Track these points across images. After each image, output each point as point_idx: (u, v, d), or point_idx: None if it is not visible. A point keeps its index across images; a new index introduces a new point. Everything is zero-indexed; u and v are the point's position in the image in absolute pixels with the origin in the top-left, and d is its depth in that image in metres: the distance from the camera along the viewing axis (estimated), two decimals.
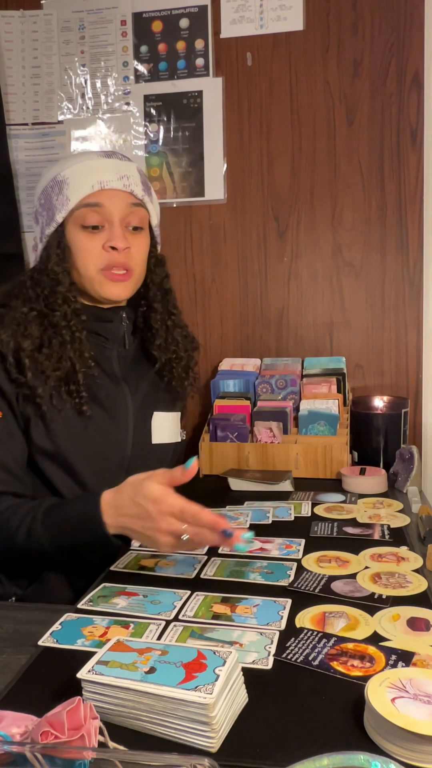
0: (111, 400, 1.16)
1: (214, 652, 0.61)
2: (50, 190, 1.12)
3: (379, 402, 1.60)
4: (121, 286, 1.14)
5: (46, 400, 1.06)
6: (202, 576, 0.92)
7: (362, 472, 1.35)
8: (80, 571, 1.12)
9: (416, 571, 0.92)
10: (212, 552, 1.00)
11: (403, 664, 0.67)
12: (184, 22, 1.69)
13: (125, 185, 1.11)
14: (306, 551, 1.00)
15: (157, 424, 1.22)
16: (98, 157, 1.14)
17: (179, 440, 1.30)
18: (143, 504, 0.86)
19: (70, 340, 1.09)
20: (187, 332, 1.31)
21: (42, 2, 1.76)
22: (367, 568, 0.93)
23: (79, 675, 0.60)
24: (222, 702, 0.57)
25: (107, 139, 1.77)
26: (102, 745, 0.54)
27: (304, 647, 0.72)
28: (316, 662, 0.69)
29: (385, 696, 0.57)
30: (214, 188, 1.73)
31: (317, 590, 0.86)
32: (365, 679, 0.63)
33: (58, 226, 1.11)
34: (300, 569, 0.93)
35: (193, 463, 0.87)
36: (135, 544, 1.05)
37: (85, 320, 1.12)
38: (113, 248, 1.10)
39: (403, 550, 0.99)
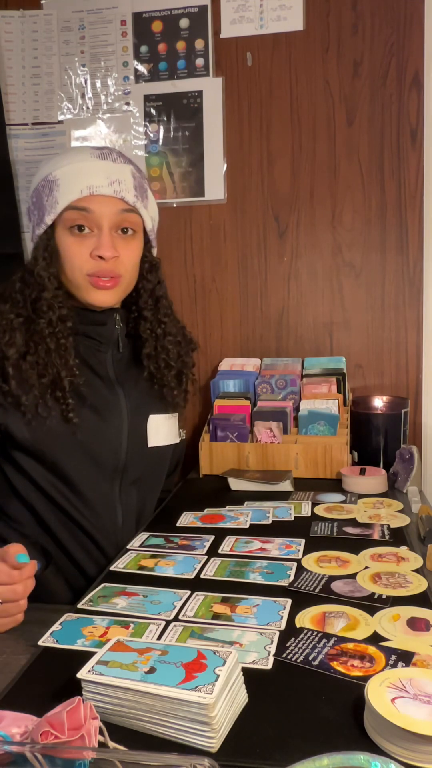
0: (105, 404, 1.14)
1: (214, 652, 0.61)
2: (41, 190, 1.10)
3: (379, 402, 1.60)
4: (108, 294, 1.11)
5: (30, 408, 1.05)
6: (202, 576, 0.92)
7: (362, 472, 1.35)
8: (78, 571, 1.13)
9: (416, 571, 0.92)
10: (212, 552, 1.01)
11: (403, 664, 0.67)
12: (184, 22, 1.69)
13: (116, 191, 1.08)
14: (306, 551, 1.00)
15: (153, 427, 1.21)
16: (91, 157, 1.10)
17: (178, 441, 1.30)
18: None
19: (55, 347, 1.07)
20: (182, 336, 1.28)
21: (42, 2, 1.76)
22: (367, 568, 0.93)
23: (79, 675, 0.60)
24: (222, 702, 0.57)
25: (107, 139, 1.77)
26: (102, 745, 0.54)
27: (304, 647, 0.72)
28: (316, 662, 0.69)
29: (385, 696, 0.57)
30: (214, 188, 1.73)
31: (317, 590, 0.86)
32: (365, 679, 0.63)
33: (47, 228, 1.09)
34: (300, 569, 0.93)
35: (23, 562, 0.79)
36: (135, 543, 1.05)
37: (71, 326, 1.10)
38: (101, 257, 1.08)
39: (403, 550, 0.99)
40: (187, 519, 1.17)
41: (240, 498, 1.29)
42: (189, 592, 0.86)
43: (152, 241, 1.20)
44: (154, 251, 1.22)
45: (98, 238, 1.08)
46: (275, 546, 1.02)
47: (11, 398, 1.05)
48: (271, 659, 0.70)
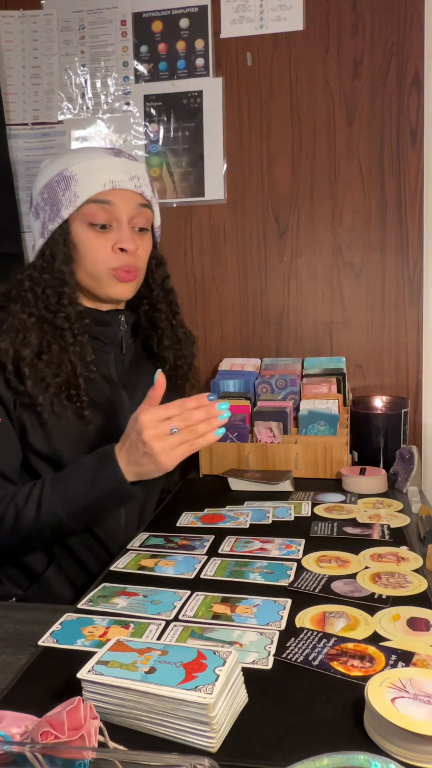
0: (110, 405, 1.15)
1: (214, 652, 0.61)
2: (56, 185, 1.09)
3: (379, 402, 1.60)
4: (129, 287, 1.14)
5: (46, 408, 1.05)
6: (202, 576, 0.92)
7: (362, 472, 1.35)
8: (81, 569, 1.13)
9: (416, 571, 0.92)
10: (212, 552, 1.01)
11: (403, 664, 0.67)
12: (184, 22, 1.69)
13: (136, 186, 1.11)
14: (306, 551, 1.00)
15: None
16: (107, 154, 1.12)
17: None
18: (134, 437, 0.94)
19: (72, 343, 1.08)
20: (186, 329, 1.33)
21: (42, 2, 1.76)
22: (367, 568, 0.93)
23: (79, 675, 0.60)
24: (222, 702, 0.57)
25: (107, 139, 1.77)
26: (102, 745, 0.54)
27: (304, 647, 0.72)
28: (316, 662, 0.69)
29: (385, 696, 0.57)
30: (214, 188, 1.73)
31: (317, 590, 0.86)
32: (365, 679, 0.63)
33: (63, 222, 1.09)
34: (300, 569, 0.93)
35: (158, 377, 0.96)
36: (135, 543, 1.05)
37: (87, 323, 1.11)
38: (122, 250, 1.10)
39: (403, 550, 0.99)
40: (187, 519, 1.17)
41: (240, 498, 1.29)
42: (189, 592, 0.86)
43: (157, 238, 1.23)
44: (158, 248, 1.25)
45: (118, 232, 1.10)
46: (275, 546, 1.02)
47: (27, 398, 1.05)
48: (271, 659, 0.70)
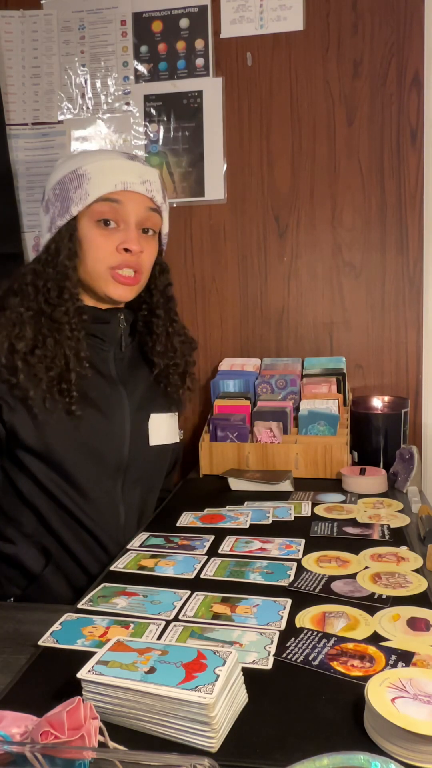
0: (107, 402, 1.15)
1: (214, 652, 0.61)
2: (68, 182, 1.10)
3: (379, 402, 1.60)
4: (127, 290, 1.14)
5: (38, 403, 1.05)
6: (202, 576, 0.92)
7: (362, 472, 1.35)
8: (79, 569, 1.13)
9: (416, 571, 0.92)
10: (212, 552, 1.01)
11: (403, 664, 0.67)
12: (184, 22, 1.69)
13: (147, 190, 1.11)
14: (306, 551, 1.00)
15: (155, 426, 1.22)
16: (121, 157, 1.13)
17: (178, 440, 1.30)
18: None
19: (69, 337, 1.08)
20: (185, 337, 1.31)
21: (42, 2, 1.76)
22: (367, 568, 0.93)
23: (79, 675, 0.60)
24: (222, 702, 0.57)
25: (107, 139, 1.77)
26: (102, 745, 0.54)
27: (304, 647, 0.72)
28: (316, 662, 0.69)
29: (385, 696, 0.57)
30: (214, 188, 1.73)
31: (317, 590, 0.86)
32: (365, 679, 0.63)
33: (72, 219, 1.10)
34: (300, 569, 0.93)
35: None
36: (135, 543, 1.05)
37: (85, 320, 1.11)
38: (127, 250, 1.10)
39: (403, 550, 0.99)
40: (187, 519, 1.17)
41: (240, 498, 1.29)
42: (189, 592, 0.86)
43: (164, 245, 1.23)
44: (163, 255, 1.25)
45: (125, 233, 1.11)
46: (275, 546, 1.02)
47: (18, 391, 1.05)
48: (271, 659, 0.70)
